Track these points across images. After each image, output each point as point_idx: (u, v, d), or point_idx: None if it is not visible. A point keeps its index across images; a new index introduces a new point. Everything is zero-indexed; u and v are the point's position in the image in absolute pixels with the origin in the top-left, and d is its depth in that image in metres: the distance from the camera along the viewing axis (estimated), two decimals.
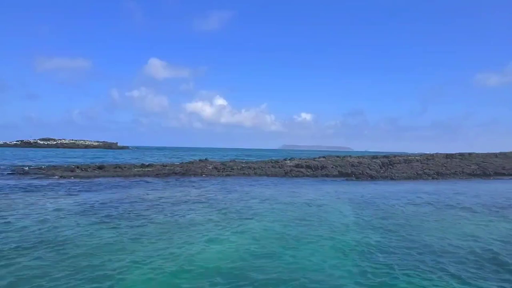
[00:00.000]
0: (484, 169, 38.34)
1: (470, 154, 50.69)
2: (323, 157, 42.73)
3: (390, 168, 36.50)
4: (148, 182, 23.44)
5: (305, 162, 36.16)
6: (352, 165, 35.91)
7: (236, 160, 40.33)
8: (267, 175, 29.44)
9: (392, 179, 31.19)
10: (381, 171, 34.26)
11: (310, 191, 20.76)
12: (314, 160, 37.74)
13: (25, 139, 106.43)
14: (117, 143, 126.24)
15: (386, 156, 45.09)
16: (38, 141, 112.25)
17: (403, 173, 34.43)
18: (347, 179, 29.79)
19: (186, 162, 33.50)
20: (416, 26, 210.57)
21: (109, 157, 55.08)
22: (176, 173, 27.37)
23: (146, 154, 75.89)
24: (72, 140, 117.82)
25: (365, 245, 9.35)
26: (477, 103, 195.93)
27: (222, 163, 31.85)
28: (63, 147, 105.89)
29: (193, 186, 21.59)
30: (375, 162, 38.53)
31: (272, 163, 35.14)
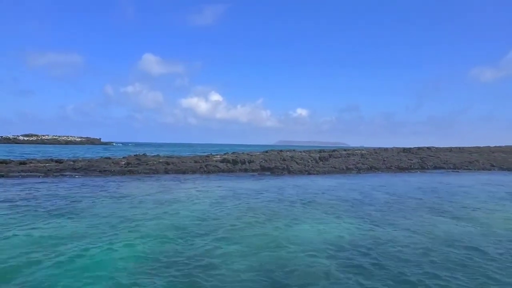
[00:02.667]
0: (423, 163, 36.88)
1: (429, 148, 49.20)
2: (266, 152, 41.59)
3: (322, 162, 35.24)
4: None
5: (235, 156, 34.96)
6: (284, 160, 34.67)
7: (172, 155, 39.29)
8: (182, 171, 28.27)
9: (309, 173, 29.92)
10: (310, 166, 32.97)
11: (179, 189, 19.65)
12: (246, 155, 36.55)
13: (5, 135, 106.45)
14: (100, 139, 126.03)
15: (331, 150, 43.82)
16: (21, 136, 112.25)
17: (332, 167, 33.13)
18: (259, 174, 28.62)
19: (95, 159, 32.45)
20: (411, 21, 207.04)
21: (63, 154, 54.22)
22: (75, 169, 26.39)
23: (111, 150, 75.06)
24: (55, 136, 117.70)
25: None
26: (472, 98, 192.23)
27: (137, 158, 30.85)
28: (43, 143, 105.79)
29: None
30: (312, 156, 37.27)
31: (198, 157, 34.02)
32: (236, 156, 35.02)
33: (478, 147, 49.51)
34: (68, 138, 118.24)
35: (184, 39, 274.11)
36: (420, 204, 15.39)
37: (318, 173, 30.38)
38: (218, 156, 35.01)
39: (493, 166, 38.18)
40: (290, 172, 30.16)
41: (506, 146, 53.77)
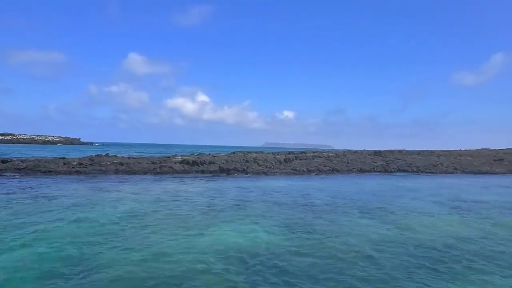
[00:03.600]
0: (386, 166, 36.83)
1: (400, 151, 49.33)
2: (233, 153, 41.10)
3: (285, 164, 34.84)
4: None
5: (197, 157, 34.36)
6: (246, 161, 34.19)
7: (132, 156, 38.43)
8: (133, 172, 27.50)
9: (267, 175, 29.50)
10: (271, 167, 32.56)
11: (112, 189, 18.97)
12: (209, 156, 35.99)
13: None
14: (79, 139, 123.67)
15: (300, 152, 43.53)
16: None
17: (293, 169, 32.77)
18: (214, 175, 28.09)
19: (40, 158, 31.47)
20: (395, 23, 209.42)
21: (24, 153, 52.70)
22: (19, 169, 25.48)
23: (81, 150, 73.46)
24: (32, 135, 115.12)
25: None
26: (455, 101, 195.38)
27: (91, 158, 29.97)
28: (19, 143, 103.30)
29: None
30: (277, 158, 36.86)
31: (157, 158, 33.30)
32: (198, 157, 34.42)
33: (448, 151, 49.87)
34: (46, 138, 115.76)
35: (170, 39, 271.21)
36: (353, 207, 15.02)
37: (276, 174, 29.98)
38: (179, 157, 34.33)
39: (456, 169, 38.34)
40: (248, 173, 29.70)
41: (476, 150, 54.35)
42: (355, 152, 46.66)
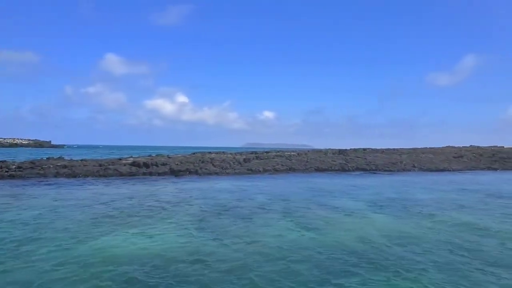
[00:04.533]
0: (344, 165, 36.65)
1: (364, 149, 49.47)
2: (193, 153, 40.19)
3: (242, 164, 34.17)
4: None
5: (150, 158, 33.29)
6: (202, 162, 33.37)
7: (76, 160, 37.03)
8: (74, 175, 26.21)
9: (219, 175, 28.76)
10: (227, 168, 31.82)
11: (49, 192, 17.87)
12: (164, 157, 34.98)
13: None
14: (50, 141, 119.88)
15: (263, 152, 42.98)
16: None
17: (249, 169, 32.13)
18: (161, 177, 27.15)
19: None
20: (373, 24, 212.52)
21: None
22: None
23: (38, 153, 70.95)
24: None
25: None
26: (430, 101, 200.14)
27: (32, 161, 28.56)
28: None
29: None
30: (236, 158, 36.14)
31: (105, 160, 32.06)
32: (151, 159, 33.36)
33: (413, 149, 50.29)
34: (14, 141, 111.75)
35: (148, 39, 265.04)
36: (281, 209, 14.44)
37: (228, 175, 29.27)
38: (131, 159, 33.18)
39: (415, 167, 38.57)
40: (199, 174, 28.86)
41: (441, 147, 55.10)
42: (319, 151, 46.50)
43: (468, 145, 58.59)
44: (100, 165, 29.79)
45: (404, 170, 36.91)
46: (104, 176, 26.75)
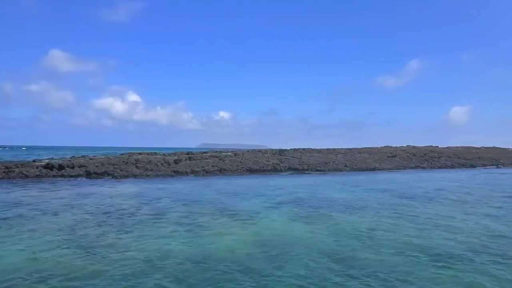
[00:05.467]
0: (277, 165, 36.41)
1: (304, 149, 49.85)
2: (121, 154, 38.09)
3: (172, 165, 32.74)
4: None
5: (68, 160, 30.92)
6: (126, 163, 31.51)
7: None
8: None
9: (136, 177, 27.17)
10: (154, 169, 30.20)
11: None
12: (82, 159, 32.71)
13: None
14: None
15: (200, 152, 41.78)
16: None
17: (175, 170, 30.77)
18: (74, 179, 25.18)
19: None
20: (323, 25, 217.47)
21: None
22: None
23: None
24: None
25: None
26: (378, 103, 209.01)
27: None
28: None
29: None
30: (166, 159, 34.58)
31: (13, 164, 29.26)
32: (69, 160, 31.02)
33: (349, 149, 51.45)
34: None
35: (97, 36, 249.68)
36: (179, 213, 13.42)
37: (148, 177, 27.73)
38: (46, 160, 30.62)
39: (346, 166, 39.17)
40: (116, 177, 27.05)
41: (378, 147, 56.96)
42: (259, 151, 46.09)
43: (405, 145, 61.29)
44: (6, 167, 27.09)
45: (335, 169, 37.33)
46: (8, 178, 24.30)
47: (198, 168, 32.33)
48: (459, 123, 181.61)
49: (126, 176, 27.26)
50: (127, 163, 31.53)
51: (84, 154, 71.98)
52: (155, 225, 11.48)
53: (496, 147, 71.18)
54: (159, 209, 14.33)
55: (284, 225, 11.83)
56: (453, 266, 7.61)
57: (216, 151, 43.93)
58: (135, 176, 27.62)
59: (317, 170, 36.68)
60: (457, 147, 66.85)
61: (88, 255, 8.36)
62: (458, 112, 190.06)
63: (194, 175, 29.95)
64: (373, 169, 39.22)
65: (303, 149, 49.58)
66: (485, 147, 69.93)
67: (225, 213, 13.59)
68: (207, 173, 31.73)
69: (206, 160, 35.54)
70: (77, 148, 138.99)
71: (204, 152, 41.04)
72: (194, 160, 36.08)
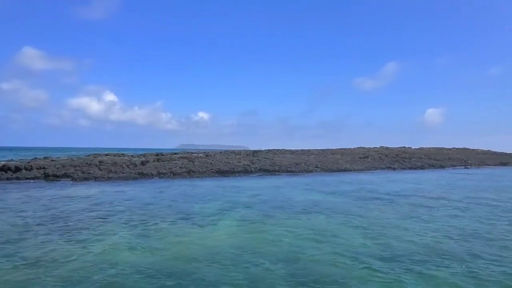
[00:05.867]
0: (247, 166, 36.02)
1: (279, 150, 49.68)
2: (87, 155, 36.81)
3: (139, 166, 31.80)
4: None
5: (27, 163, 29.52)
6: (90, 165, 30.36)
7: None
8: None
9: (96, 180, 26.19)
10: (118, 172, 29.20)
11: None
12: (43, 160, 31.39)
13: None
14: None
15: (171, 153, 40.91)
16: None
17: (139, 173, 29.88)
18: (28, 182, 24.02)
19: None
20: (302, 28, 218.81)
21: None
22: None
23: None
24: None
25: None
26: (356, 104, 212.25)
27: None
28: None
29: None
30: (132, 161, 33.57)
31: None
32: (28, 162, 29.66)
33: (322, 150, 51.64)
34: None
35: (73, 34, 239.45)
36: (128, 217, 12.72)
37: (110, 180, 26.76)
38: (3, 162, 29.13)
39: (317, 167, 39.21)
40: (75, 179, 25.98)
41: (351, 148, 57.47)
42: (232, 152, 45.58)
43: (378, 146, 62.11)
44: None
45: (306, 170, 37.26)
46: None
47: (165, 170, 31.53)
48: (434, 124, 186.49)
49: (86, 179, 26.21)
50: (90, 164, 30.41)
51: (56, 155, 69.63)
52: (99, 230, 10.84)
53: (467, 148, 73.24)
54: (108, 214, 13.64)
55: (235, 229, 11.42)
56: (390, 271, 7.36)
57: (187, 152, 43.15)
58: (96, 178, 26.60)
59: (287, 171, 36.49)
60: (429, 148, 68.36)
61: (21, 264, 7.69)
62: (433, 114, 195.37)
63: (160, 177, 29.16)
64: (344, 170, 39.38)
65: (277, 150, 49.43)
66: (456, 148, 71.86)
67: (176, 217, 13.05)
68: (174, 175, 30.98)
69: (175, 162, 34.74)
70: (49, 149, 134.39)
71: (175, 153, 40.22)
72: (162, 161, 35.19)
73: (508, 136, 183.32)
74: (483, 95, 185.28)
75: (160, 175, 30.31)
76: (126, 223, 12.00)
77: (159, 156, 37.50)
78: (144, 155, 38.89)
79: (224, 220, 12.72)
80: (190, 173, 31.87)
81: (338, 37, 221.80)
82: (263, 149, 49.71)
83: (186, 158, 37.33)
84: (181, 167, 32.63)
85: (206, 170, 33.07)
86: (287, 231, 11.04)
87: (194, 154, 39.98)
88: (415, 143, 74.51)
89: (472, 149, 72.66)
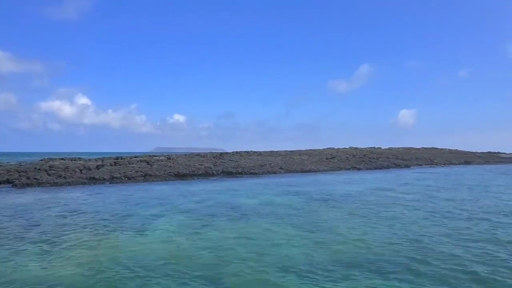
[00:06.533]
0: (208, 169, 35.10)
1: (247, 152, 49.01)
2: (42, 160, 34.96)
3: (93, 171, 30.31)
4: None
5: None
6: (39, 170, 28.67)
7: None
8: None
9: (40, 185, 24.67)
10: (68, 176, 27.65)
11: None
12: None
13: None
14: None
15: (131, 156, 39.46)
16: None
17: (90, 177, 28.44)
18: None
19: None
20: (277, 29, 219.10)
21: None
22: None
23: None
24: None
25: None
26: (332, 106, 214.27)
27: None
28: None
29: None
30: (86, 165, 32.01)
31: None
32: None
33: (291, 151, 51.31)
34: None
35: (43, 35, 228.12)
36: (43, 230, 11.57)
37: (57, 185, 25.24)
38: None
39: (281, 169, 38.70)
40: (15, 185, 24.39)
41: (320, 149, 57.48)
42: (198, 154, 44.49)
43: (347, 147, 62.39)
44: None
45: (270, 172, 36.69)
46: None
47: (120, 174, 30.15)
48: (407, 125, 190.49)
49: (29, 184, 24.62)
50: (39, 169, 28.73)
51: (23, 160, 66.36)
52: (12, 244, 9.71)
53: (435, 148, 74.85)
54: (31, 223, 12.48)
55: (165, 238, 10.56)
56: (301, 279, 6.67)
57: (148, 156, 41.79)
58: (40, 184, 25.04)
59: (251, 173, 35.77)
60: (398, 148, 69.33)
61: None
62: (406, 115, 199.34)
63: (112, 182, 27.81)
64: (308, 171, 39.05)
65: (245, 152, 48.76)
66: (425, 148, 73.27)
67: (106, 226, 12.05)
68: (129, 179, 29.67)
69: (131, 166, 33.39)
70: (17, 154, 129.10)
71: (135, 157, 38.79)
72: (119, 165, 33.80)
73: (478, 135, 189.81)
74: (453, 96, 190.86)
75: (113, 179, 28.95)
76: (45, 233, 11.00)
77: (119, 159, 36.05)
78: (102, 159, 37.29)
79: (156, 229, 11.78)
80: (145, 177, 30.62)
81: (313, 39, 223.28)
82: (243, 151, 48.96)
83: (145, 161, 36.01)
84: (136, 171, 31.33)
85: (164, 174, 31.89)
86: (220, 239, 10.26)
87: (155, 157, 38.70)
88: (389, 144, 75.44)
89: (440, 149, 74.30)
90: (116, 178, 29.39)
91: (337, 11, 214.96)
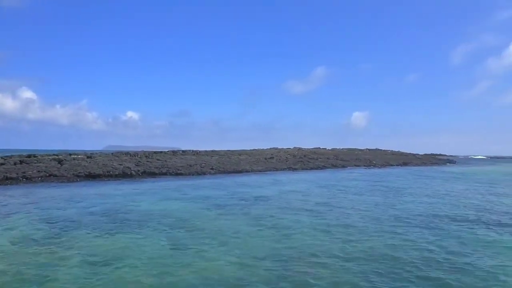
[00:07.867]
0: (126, 169, 32.33)
1: (184, 151, 46.53)
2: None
3: (64, 165, 26.45)
4: None
5: None
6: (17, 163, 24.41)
7: None
8: None
9: None
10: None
11: None
12: None
13: None
14: None
15: (66, 154, 35.56)
16: None
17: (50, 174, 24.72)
18: None
19: None
20: (232, 27, 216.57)
21: None
22: None
23: None
24: None
25: None
26: (287, 107, 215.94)
27: None
28: None
29: None
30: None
31: None
32: None
33: (229, 150, 49.55)
34: None
35: None
36: None
37: None
38: None
39: (212, 169, 36.71)
40: None
41: (262, 149, 56.31)
42: (126, 153, 41.24)
43: (292, 147, 61.82)
44: None
45: (198, 172, 34.55)
46: None
47: (17, 174, 26.58)
48: (359, 127, 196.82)
49: None
50: None
51: None
52: None
53: (378, 149, 76.67)
54: None
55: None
56: None
57: (64, 154, 37.97)
58: None
59: (176, 174, 33.42)
60: (342, 149, 70.08)
61: None
62: (359, 117, 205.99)
63: (4, 184, 24.27)
64: (241, 172, 37.42)
65: (182, 151, 46.33)
66: (368, 149, 74.78)
67: None
68: (27, 179, 26.21)
69: (36, 164, 29.77)
70: None
71: (48, 155, 34.93)
72: (26, 163, 30.09)
73: (426, 138, 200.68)
74: (402, 100, 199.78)
75: (8, 180, 25.39)
76: None
77: (31, 157, 32.16)
78: (9, 157, 33.06)
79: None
80: (49, 177, 27.29)
81: (269, 38, 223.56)
82: (180, 150, 46.49)
83: (57, 160, 32.45)
84: (39, 171, 27.87)
85: (72, 174, 28.62)
86: (74, 257, 8.07)
87: (72, 156, 35.10)
88: (340, 145, 76.04)
89: (383, 150, 76.20)
90: (12, 178, 25.82)
91: (294, 13, 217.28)
